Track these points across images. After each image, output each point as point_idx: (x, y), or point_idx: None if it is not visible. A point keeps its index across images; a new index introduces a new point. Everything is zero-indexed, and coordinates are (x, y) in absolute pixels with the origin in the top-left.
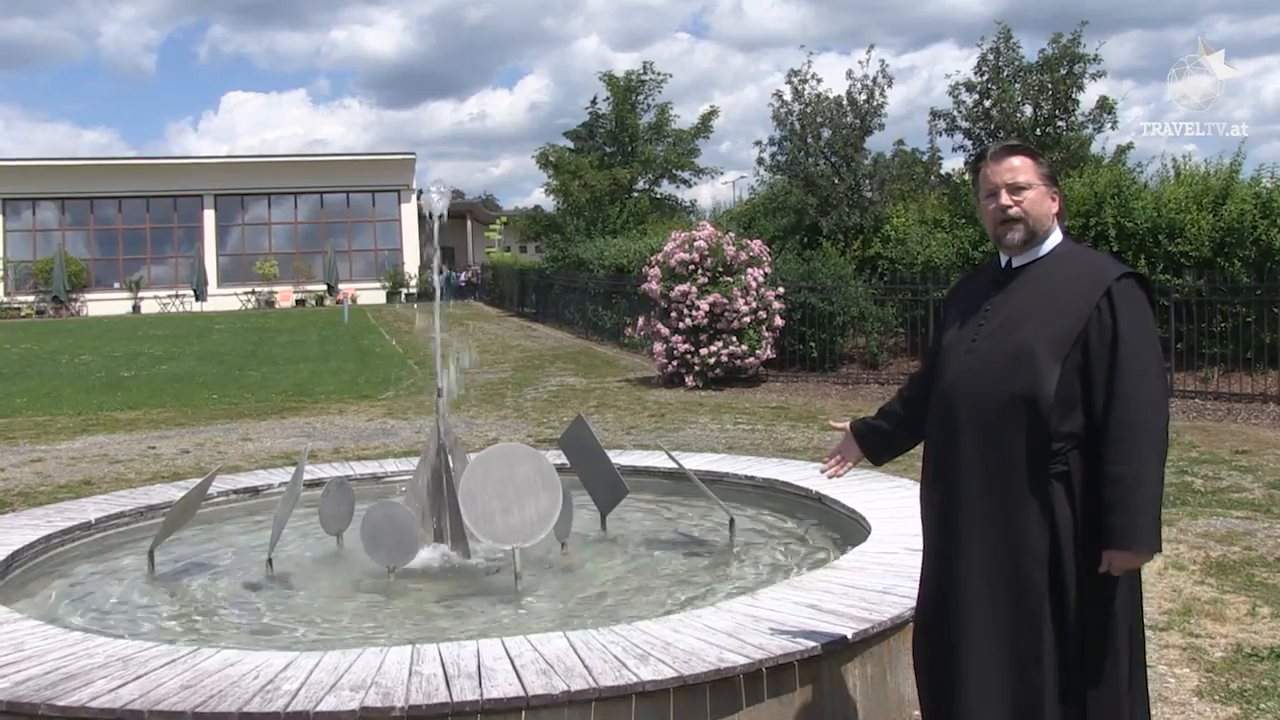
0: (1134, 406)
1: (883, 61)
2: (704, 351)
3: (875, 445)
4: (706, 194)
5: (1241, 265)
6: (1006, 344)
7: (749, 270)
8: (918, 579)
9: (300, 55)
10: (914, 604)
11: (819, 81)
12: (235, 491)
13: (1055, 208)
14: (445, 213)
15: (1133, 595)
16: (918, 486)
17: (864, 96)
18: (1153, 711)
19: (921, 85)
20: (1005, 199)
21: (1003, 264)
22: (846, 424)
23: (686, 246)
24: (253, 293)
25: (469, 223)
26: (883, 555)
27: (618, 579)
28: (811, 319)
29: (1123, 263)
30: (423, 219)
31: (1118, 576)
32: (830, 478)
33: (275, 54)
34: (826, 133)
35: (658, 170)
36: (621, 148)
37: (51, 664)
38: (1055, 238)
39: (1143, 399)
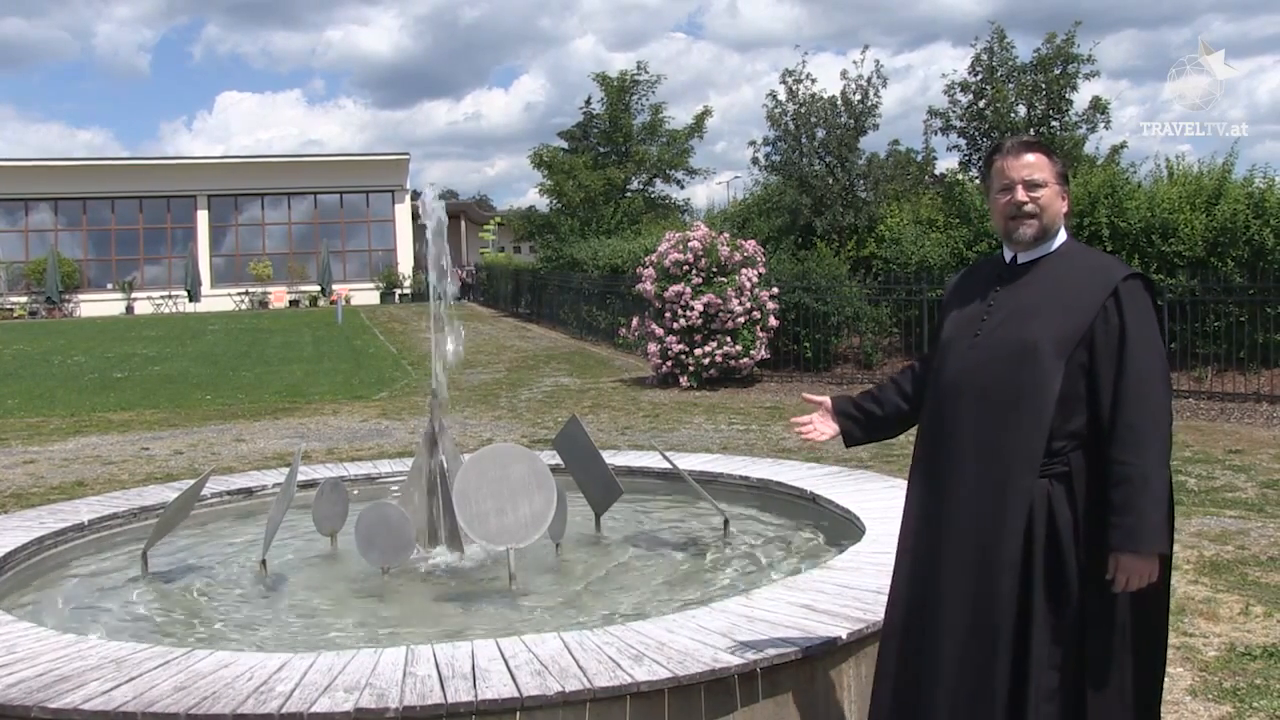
0: (1139, 408)
1: (877, 61)
2: (698, 352)
3: (856, 425)
4: (701, 194)
5: (1234, 265)
6: (1011, 339)
7: (743, 270)
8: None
9: (295, 55)
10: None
11: (814, 81)
12: (229, 492)
13: (1065, 207)
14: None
15: (1155, 602)
16: None
17: (858, 96)
18: None
19: (917, 85)
20: (1021, 195)
21: (1007, 259)
22: (826, 399)
23: (681, 247)
24: (246, 293)
25: (463, 223)
26: (876, 555)
27: (612, 579)
28: (806, 319)
29: (1128, 264)
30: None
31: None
32: (804, 437)
33: (270, 54)
34: (821, 133)
35: (652, 170)
36: (615, 148)
37: (44, 666)
38: (1061, 236)
39: (1148, 400)
